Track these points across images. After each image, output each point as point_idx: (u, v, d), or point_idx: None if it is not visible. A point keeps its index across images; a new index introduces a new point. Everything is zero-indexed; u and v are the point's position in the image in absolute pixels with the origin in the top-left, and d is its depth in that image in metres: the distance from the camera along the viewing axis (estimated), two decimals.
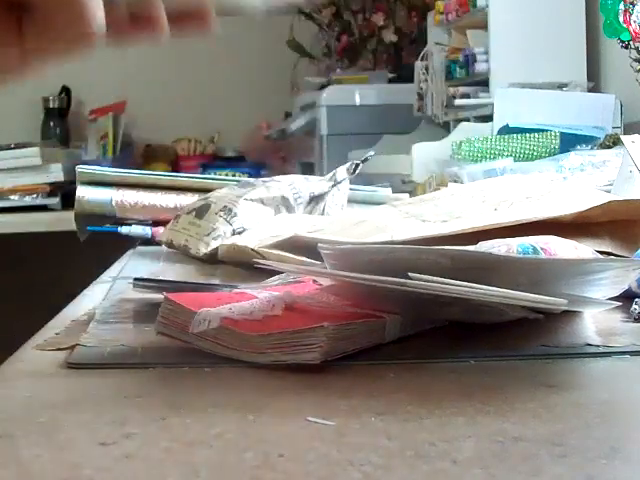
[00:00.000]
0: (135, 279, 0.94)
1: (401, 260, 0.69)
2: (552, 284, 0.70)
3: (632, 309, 0.78)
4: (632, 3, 1.85)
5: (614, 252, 1.02)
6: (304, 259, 1.06)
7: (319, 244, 0.75)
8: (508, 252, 0.78)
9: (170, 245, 1.40)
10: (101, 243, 1.62)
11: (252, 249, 1.16)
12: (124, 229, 1.55)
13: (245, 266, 1.17)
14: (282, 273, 0.92)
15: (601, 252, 0.98)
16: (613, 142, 1.95)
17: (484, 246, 0.83)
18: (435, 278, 0.65)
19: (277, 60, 3.67)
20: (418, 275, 0.65)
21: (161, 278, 0.97)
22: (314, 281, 0.83)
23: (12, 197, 2.82)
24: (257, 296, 0.76)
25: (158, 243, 1.46)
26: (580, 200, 1.03)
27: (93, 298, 1.01)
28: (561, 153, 1.91)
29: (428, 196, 1.16)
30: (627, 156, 1.38)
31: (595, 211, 1.02)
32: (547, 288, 0.68)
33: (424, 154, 2.27)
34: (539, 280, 0.69)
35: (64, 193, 2.80)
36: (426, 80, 2.92)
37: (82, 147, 3.31)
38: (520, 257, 0.76)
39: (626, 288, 0.79)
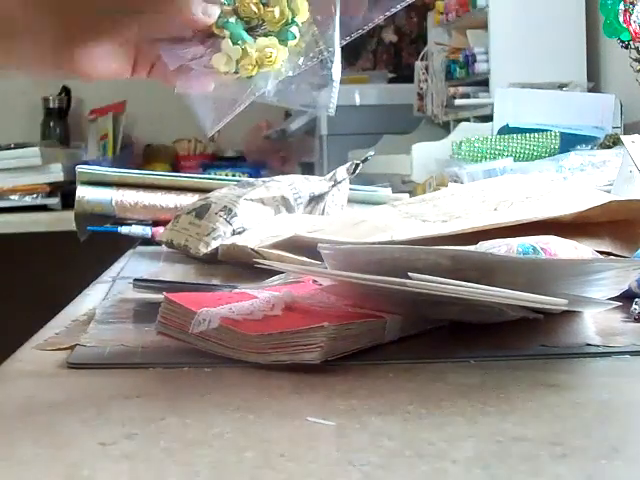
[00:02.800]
0: (135, 280, 0.94)
1: (401, 260, 0.69)
2: (552, 284, 0.70)
3: (632, 309, 0.78)
4: (632, 3, 1.85)
5: (614, 252, 1.02)
6: (304, 259, 1.06)
7: (319, 244, 0.75)
8: (508, 252, 0.78)
9: (170, 245, 1.40)
10: (101, 243, 1.62)
11: (252, 249, 1.16)
12: (124, 229, 1.54)
13: (245, 266, 1.17)
14: (282, 273, 0.92)
15: (601, 252, 0.98)
16: (613, 142, 1.95)
17: (484, 246, 0.83)
18: (435, 278, 0.65)
19: None
20: (418, 275, 0.65)
21: (161, 278, 0.97)
22: (314, 281, 0.83)
23: (12, 197, 2.82)
24: (257, 296, 0.76)
25: (158, 243, 1.46)
26: (580, 200, 1.02)
27: (93, 298, 1.01)
28: (561, 153, 1.91)
29: (428, 196, 1.16)
30: (627, 156, 1.38)
31: (595, 211, 1.02)
32: (547, 288, 0.68)
33: (424, 154, 2.27)
34: (539, 280, 0.69)
35: (64, 193, 2.80)
36: (426, 80, 2.92)
37: (82, 147, 3.31)
38: (520, 257, 0.76)
39: (626, 288, 0.79)
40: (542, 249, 0.78)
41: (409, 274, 0.65)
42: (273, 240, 1.16)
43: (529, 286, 0.67)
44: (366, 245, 0.79)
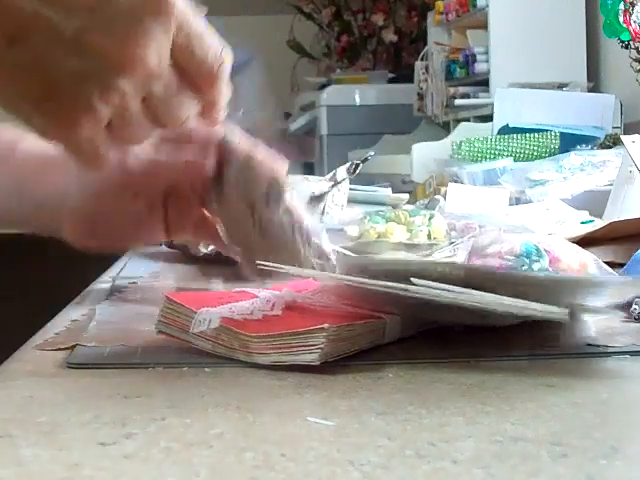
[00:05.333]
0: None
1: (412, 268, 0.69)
2: (557, 296, 0.70)
3: (632, 309, 0.78)
4: (632, 3, 1.85)
5: (615, 260, 1.02)
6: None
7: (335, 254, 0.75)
8: (510, 251, 0.77)
9: (170, 245, 1.40)
10: None
11: None
12: None
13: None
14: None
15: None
16: (613, 142, 1.96)
17: (485, 240, 0.82)
18: (437, 284, 0.65)
19: (277, 60, 3.67)
20: (420, 281, 0.65)
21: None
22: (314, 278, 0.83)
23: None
24: (257, 295, 0.76)
25: (158, 243, 1.46)
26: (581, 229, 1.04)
27: (93, 298, 1.01)
28: (561, 153, 1.91)
29: None
30: (627, 156, 1.38)
31: (599, 233, 1.03)
32: (552, 299, 0.68)
33: (424, 154, 2.27)
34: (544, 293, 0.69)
35: None
36: (426, 80, 2.92)
37: None
38: (522, 274, 0.74)
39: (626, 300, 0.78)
40: (545, 250, 0.77)
41: (412, 279, 0.65)
42: None
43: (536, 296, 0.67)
44: (379, 259, 0.78)
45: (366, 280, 0.68)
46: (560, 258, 0.75)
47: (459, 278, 0.67)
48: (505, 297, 0.64)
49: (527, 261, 0.74)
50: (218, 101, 0.74)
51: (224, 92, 0.73)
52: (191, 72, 0.71)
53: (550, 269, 0.74)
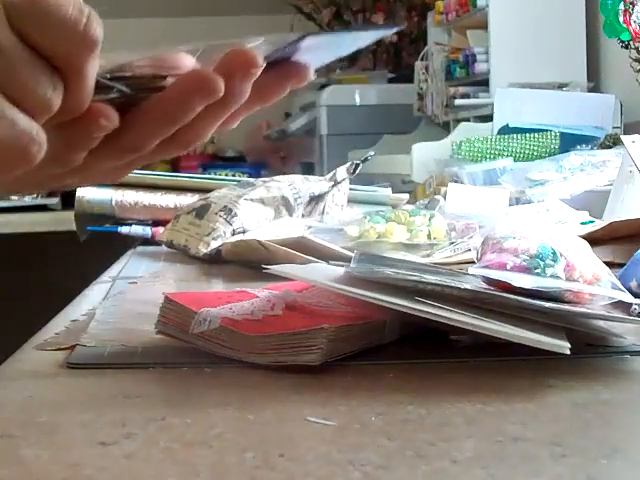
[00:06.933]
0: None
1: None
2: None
3: (632, 309, 0.78)
4: (632, 3, 1.85)
5: (615, 261, 1.02)
6: (311, 258, 1.07)
7: (345, 267, 0.75)
8: (527, 250, 0.75)
9: (170, 245, 1.40)
10: (101, 243, 1.62)
11: (259, 242, 1.15)
12: (124, 229, 1.54)
13: (247, 266, 1.17)
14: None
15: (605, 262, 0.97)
16: (613, 142, 1.95)
17: (502, 232, 0.80)
18: (441, 305, 0.65)
19: None
20: (424, 300, 0.65)
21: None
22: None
23: (12, 197, 2.82)
24: (257, 295, 0.76)
25: (158, 243, 1.46)
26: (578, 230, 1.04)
27: (93, 298, 1.01)
28: (561, 153, 1.91)
29: None
30: (627, 156, 1.38)
31: (599, 233, 1.04)
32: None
33: (424, 154, 2.27)
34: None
35: (64, 193, 2.80)
36: (426, 80, 2.92)
37: None
38: (528, 302, 0.73)
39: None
40: (561, 255, 0.75)
41: (416, 298, 0.66)
42: (280, 237, 1.16)
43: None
44: (394, 274, 0.77)
45: (369, 294, 0.68)
46: (575, 266, 0.74)
47: (467, 297, 0.68)
48: (510, 326, 0.64)
49: (541, 264, 0.73)
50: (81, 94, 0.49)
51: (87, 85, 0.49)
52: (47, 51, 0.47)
53: (563, 276, 0.73)
